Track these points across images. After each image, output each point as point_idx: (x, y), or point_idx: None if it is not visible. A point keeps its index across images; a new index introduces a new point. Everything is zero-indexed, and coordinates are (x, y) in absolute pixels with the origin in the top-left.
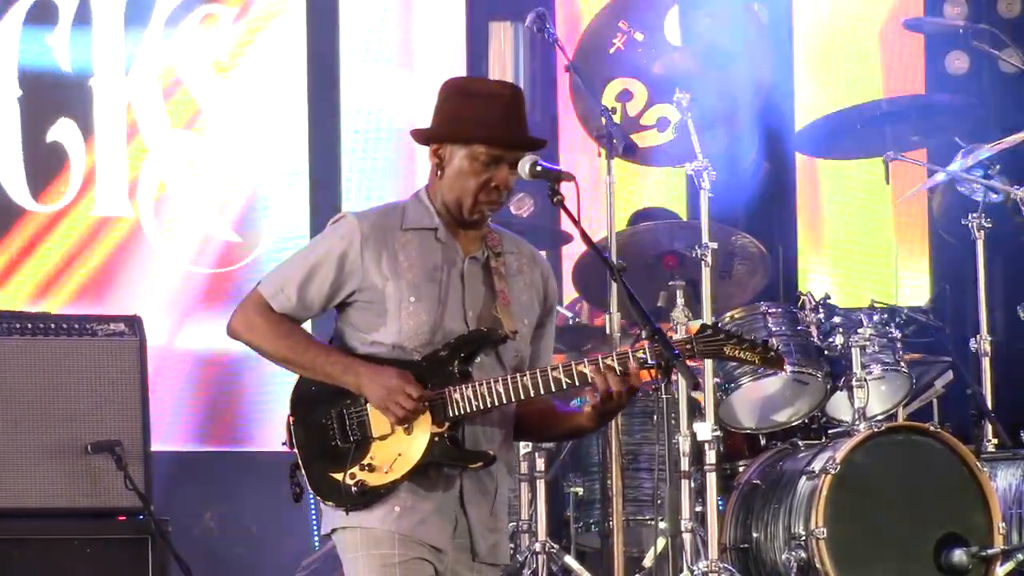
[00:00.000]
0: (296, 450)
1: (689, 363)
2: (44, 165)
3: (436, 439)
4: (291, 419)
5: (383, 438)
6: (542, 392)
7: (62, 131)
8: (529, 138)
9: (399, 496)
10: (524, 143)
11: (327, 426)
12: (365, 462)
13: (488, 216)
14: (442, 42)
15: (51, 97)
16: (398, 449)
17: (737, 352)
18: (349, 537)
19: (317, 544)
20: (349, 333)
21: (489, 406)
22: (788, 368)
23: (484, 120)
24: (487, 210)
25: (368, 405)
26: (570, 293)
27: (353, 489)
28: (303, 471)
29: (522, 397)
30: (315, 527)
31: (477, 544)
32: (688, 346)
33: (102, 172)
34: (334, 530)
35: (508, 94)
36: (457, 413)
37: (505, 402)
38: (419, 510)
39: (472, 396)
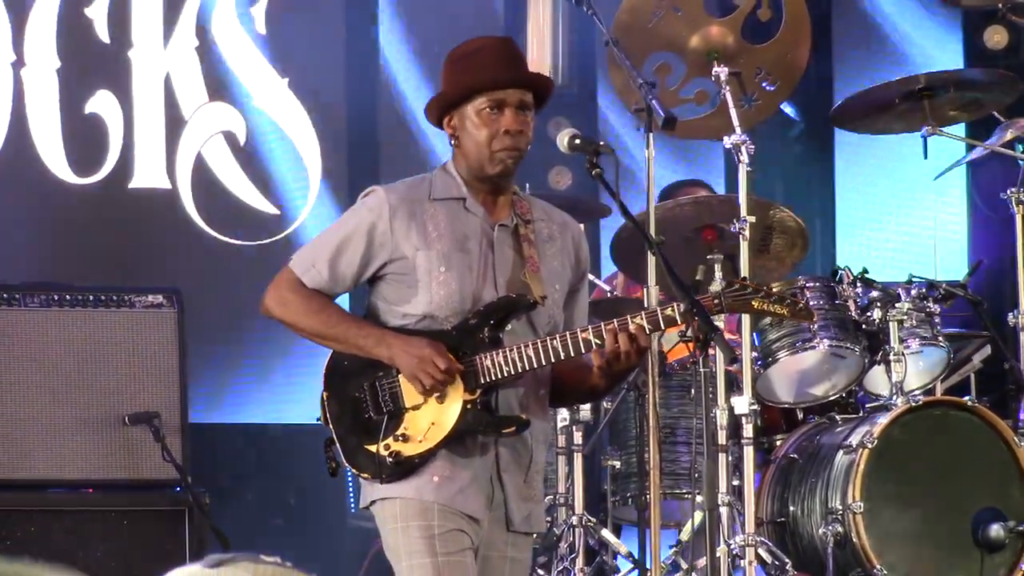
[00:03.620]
0: (331, 425)
1: (726, 334)
2: (82, 137)
3: (468, 406)
4: (325, 394)
5: (416, 408)
6: (572, 354)
7: (100, 103)
8: (525, 73)
9: (436, 465)
10: (519, 80)
11: (360, 399)
12: (399, 433)
13: (511, 166)
14: (479, 15)
15: (89, 69)
16: (431, 418)
17: (766, 305)
18: (388, 508)
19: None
20: (381, 307)
21: (520, 371)
22: (825, 342)
23: (476, 72)
24: (507, 158)
25: (400, 376)
26: (608, 267)
27: (388, 460)
28: (338, 445)
29: (552, 360)
30: (352, 500)
31: (512, 513)
32: (716, 301)
33: (140, 144)
34: (373, 502)
35: (494, 41)
36: (488, 380)
37: (536, 366)
38: (457, 479)
39: (503, 362)
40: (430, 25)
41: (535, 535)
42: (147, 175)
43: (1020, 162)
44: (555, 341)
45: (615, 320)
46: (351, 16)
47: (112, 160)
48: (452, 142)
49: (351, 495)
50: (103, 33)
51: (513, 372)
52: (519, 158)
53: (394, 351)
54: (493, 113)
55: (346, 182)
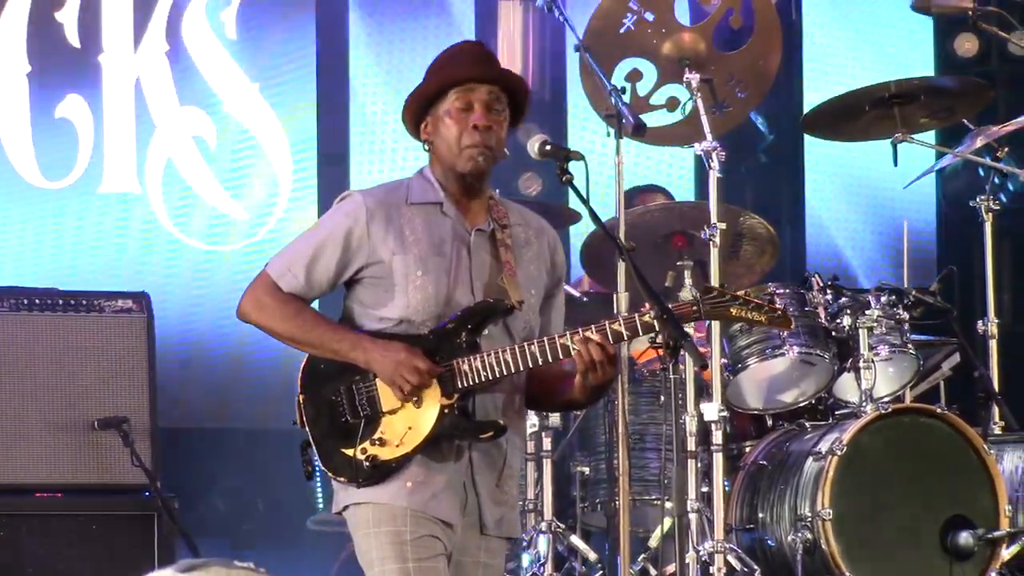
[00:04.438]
0: (307, 427)
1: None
2: (52, 141)
3: (446, 411)
4: (301, 397)
5: (393, 412)
6: (550, 359)
7: (71, 107)
8: (494, 70)
9: (411, 470)
10: (487, 76)
11: (337, 402)
12: (376, 437)
13: (482, 163)
14: (450, 19)
15: (60, 73)
16: (408, 423)
17: (744, 313)
18: (361, 514)
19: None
20: (358, 311)
21: (497, 376)
22: (795, 348)
23: (447, 70)
24: (477, 154)
25: (377, 380)
26: (577, 273)
27: (365, 464)
28: (314, 448)
29: (530, 365)
30: (321, 504)
31: (484, 517)
32: (695, 308)
33: (110, 149)
34: (345, 507)
35: (467, 43)
36: (465, 384)
37: (513, 371)
38: (431, 484)
39: (480, 367)
40: (400, 28)
41: (508, 540)
42: (117, 179)
43: (981, 171)
44: (532, 346)
45: (593, 326)
46: (321, 21)
47: (82, 164)
48: (427, 147)
49: (320, 499)
50: (73, 37)
51: (491, 377)
52: (490, 156)
53: (370, 356)
54: (463, 111)
55: (316, 187)
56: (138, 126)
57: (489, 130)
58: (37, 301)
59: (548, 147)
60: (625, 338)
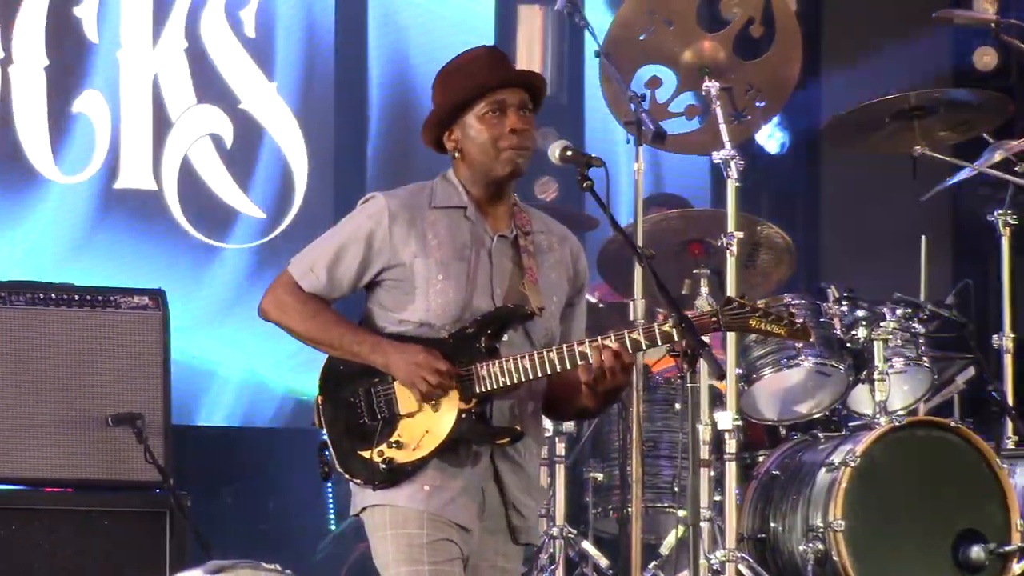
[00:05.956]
0: (324, 428)
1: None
2: (69, 136)
3: (463, 415)
4: (320, 398)
5: (411, 415)
6: (568, 367)
7: (88, 102)
8: (520, 72)
9: (427, 474)
10: (516, 79)
11: (355, 404)
12: (393, 439)
13: (521, 165)
14: (470, 22)
15: (77, 68)
16: (425, 426)
17: (763, 324)
18: (377, 516)
19: (333, 521)
20: (378, 313)
21: (516, 382)
22: (810, 359)
23: (471, 78)
24: (516, 156)
25: (395, 383)
26: (593, 279)
27: (382, 467)
28: (331, 450)
29: (548, 372)
30: (332, 504)
31: (503, 523)
32: (714, 319)
33: (127, 145)
34: (363, 509)
35: (483, 50)
36: (484, 389)
37: (532, 377)
38: (448, 489)
39: (499, 372)
40: (419, 33)
41: (526, 546)
42: (133, 176)
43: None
44: (551, 353)
45: (611, 333)
46: (340, 21)
47: (99, 160)
48: (456, 155)
49: (330, 499)
50: (92, 32)
51: (509, 383)
52: (527, 157)
53: (390, 358)
54: (495, 116)
55: (332, 187)
56: (155, 122)
57: (525, 132)
58: (53, 296)
59: (569, 152)
60: (643, 347)
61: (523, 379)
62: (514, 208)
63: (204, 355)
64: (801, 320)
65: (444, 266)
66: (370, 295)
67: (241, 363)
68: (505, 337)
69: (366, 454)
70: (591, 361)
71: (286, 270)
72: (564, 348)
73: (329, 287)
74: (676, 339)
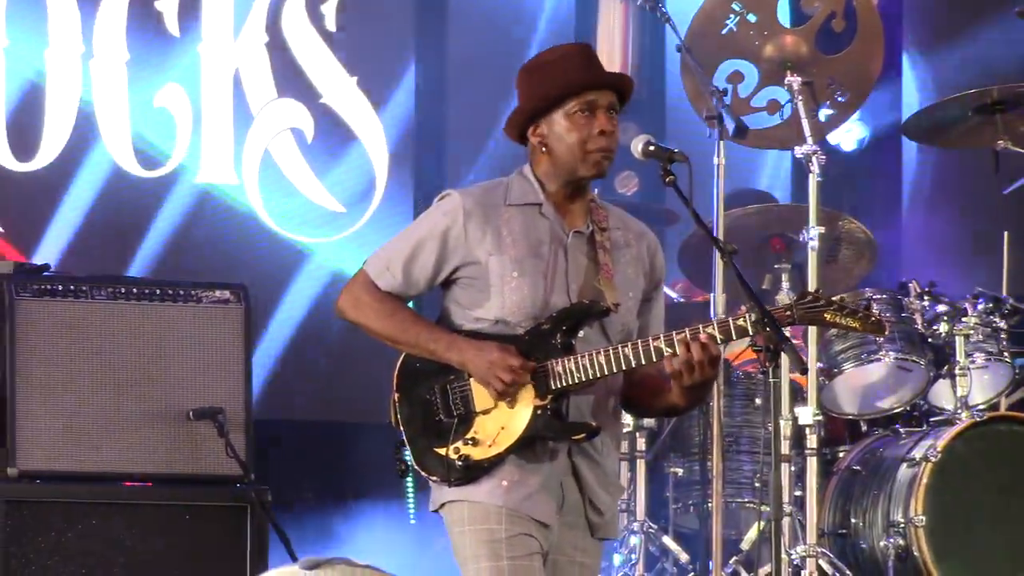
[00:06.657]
0: (401, 427)
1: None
2: (150, 131)
3: (539, 412)
4: (396, 396)
5: (486, 412)
6: (643, 362)
7: (169, 96)
8: (613, 74)
9: (505, 470)
10: (608, 82)
11: (431, 402)
12: (469, 436)
13: (606, 167)
14: (550, 18)
15: (159, 62)
16: (501, 423)
17: (838, 318)
18: (456, 511)
19: (413, 516)
20: (454, 310)
21: (592, 378)
22: (891, 354)
23: (564, 76)
24: (602, 159)
25: (471, 380)
26: (673, 274)
27: (458, 464)
28: (408, 447)
29: (624, 368)
30: (411, 501)
31: (581, 519)
32: (788, 313)
33: (208, 139)
34: (442, 505)
35: (575, 48)
36: (559, 386)
37: (607, 373)
38: (526, 484)
39: (574, 368)
40: (501, 27)
41: (605, 542)
42: (214, 170)
43: None
44: (627, 348)
45: (687, 329)
46: (421, 16)
47: (180, 154)
48: (542, 151)
49: (410, 496)
50: (173, 26)
51: (584, 379)
52: (612, 159)
53: (465, 356)
54: (585, 116)
55: (412, 182)
56: (236, 117)
57: (612, 135)
58: (135, 290)
59: (652, 147)
60: (719, 341)
61: (598, 375)
62: (591, 204)
63: (285, 349)
64: (876, 314)
65: (519, 263)
66: (446, 293)
67: (321, 357)
68: (581, 333)
69: (442, 451)
70: (678, 354)
71: (362, 269)
72: (640, 343)
73: (405, 285)
74: (751, 333)
